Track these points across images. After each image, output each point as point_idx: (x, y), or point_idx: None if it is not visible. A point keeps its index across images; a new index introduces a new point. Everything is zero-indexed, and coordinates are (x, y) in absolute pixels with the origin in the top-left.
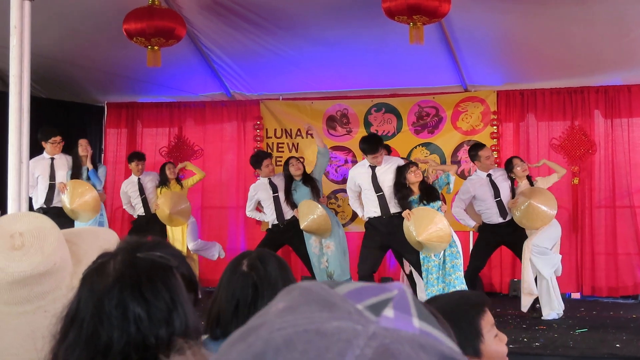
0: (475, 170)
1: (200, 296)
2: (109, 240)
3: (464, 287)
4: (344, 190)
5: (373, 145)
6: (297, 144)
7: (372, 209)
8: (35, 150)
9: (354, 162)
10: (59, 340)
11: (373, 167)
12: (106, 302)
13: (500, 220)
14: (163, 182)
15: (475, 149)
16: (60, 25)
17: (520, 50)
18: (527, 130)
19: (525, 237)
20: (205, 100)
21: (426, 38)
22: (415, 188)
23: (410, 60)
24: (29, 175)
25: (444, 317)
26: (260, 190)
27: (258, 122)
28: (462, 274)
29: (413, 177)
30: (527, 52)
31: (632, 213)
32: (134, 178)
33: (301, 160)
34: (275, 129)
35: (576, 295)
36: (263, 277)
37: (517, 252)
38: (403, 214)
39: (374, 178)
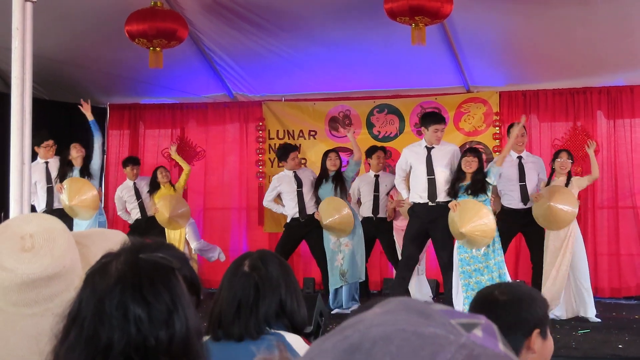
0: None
1: (202, 298)
2: (118, 242)
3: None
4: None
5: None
6: (300, 145)
7: (418, 194)
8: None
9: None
10: (60, 340)
11: (429, 148)
12: (107, 303)
13: (521, 205)
14: (153, 187)
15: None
16: (62, 27)
17: (523, 51)
18: (529, 131)
19: (542, 231)
20: (208, 101)
21: (428, 39)
22: (467, 176)
23: (412, 61)
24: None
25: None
26: (284, 183)
27: (260, 124)
28: (505, 271)
29: (467, 168)
30: (529, 53)
31: (634, 213)
32: (129, 183)
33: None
34: (277, 130)
35: None
36: (264, 277)
37: (531, 243)
38: (450, 205)
39: (429, 159)
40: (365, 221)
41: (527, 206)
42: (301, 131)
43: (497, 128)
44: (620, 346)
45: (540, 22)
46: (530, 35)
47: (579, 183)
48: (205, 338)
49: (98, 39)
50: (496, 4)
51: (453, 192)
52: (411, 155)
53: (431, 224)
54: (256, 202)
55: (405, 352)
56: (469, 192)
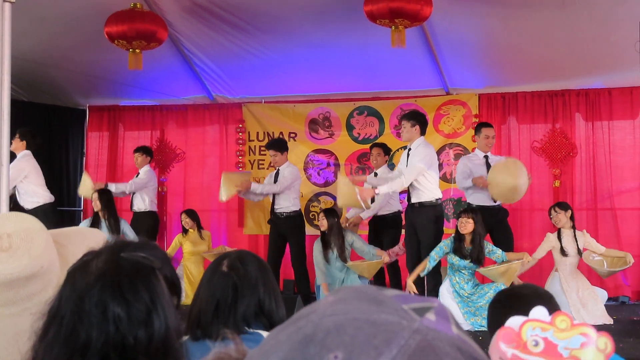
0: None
1: (183, 299)
2: (97, 241)
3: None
4: (327, 193)
5: None
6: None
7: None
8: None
9: (337, 165)
10: (39, 337)
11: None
12: (86, 301)
13: (491, 203)
14: (184, 230)
15: (479, 126)
16: (41, 28)
17: (502, 53)
18: (508, 133)
19: (510, 230)
20: (188, 103)
21: (408, 41)
22: (466, 237)
23: (392, 63)
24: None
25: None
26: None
27: (240, 125)
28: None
29: (463, 229)
30: (508, 56)
31: (613, 215)
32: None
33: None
34: (257, 132)
35: None
36: (243, 277)
37: (499, 242)
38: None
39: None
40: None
41: (497, 203)
42: (281, 133)
43: None
44: None
45: (519, 25)
46: (510, 38)
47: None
48: (185, 338)
49: (77, 41)
50: (475, 7)
51: (461, 254)
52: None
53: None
54: (236, 204)
55: (359, 341)
56: (471, 260)
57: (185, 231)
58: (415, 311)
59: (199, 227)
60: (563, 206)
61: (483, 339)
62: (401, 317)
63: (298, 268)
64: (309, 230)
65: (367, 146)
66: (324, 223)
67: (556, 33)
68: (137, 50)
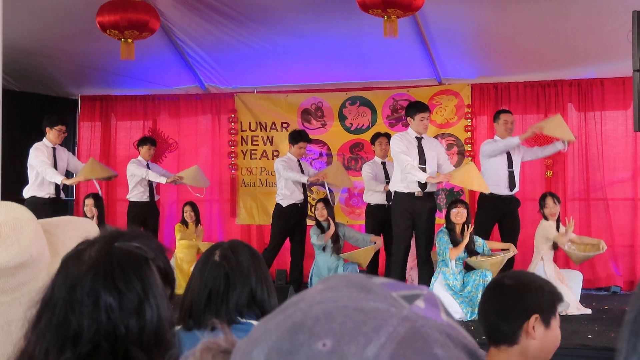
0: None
1: (176, 289)
2: (87, 230)
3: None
4: (319, 184)
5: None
6: (272, 137)
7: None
8: (15, 144)
9: (329, 155)
10: (32, 325)
11: (419, 138)
12: (78, 289)
13: (507, 192)
14: (183, 222)
15: (497, 113)
16: (33, 18)
17: (495, 43)
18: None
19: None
20: (180, 93)
21: (400, 31)
22: (457, 227)
23: (384, 53)
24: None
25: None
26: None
27: (233, 115)
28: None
29: (458, 219)
30: (501, 46)
31: (605, 205)
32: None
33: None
34: (250, 122)
35: None
36: (235, 267)
37: (506, 233)
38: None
39: (420, 149)
40: (377, 209)
41: (512, 192)
42: (273, 123)
43: (469, 120)
44: (589, 336)
45: (512, 15)
46: (502, 28)
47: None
48: (177, 328)
49: (69, 30)
50: None
51: (455, 245)
52: (404, 141)
53: (415, 214)
54: (229, 194)
55: (348, 328)
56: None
57: (184, 222)
58: (404, 298)
59: (197, 222)
60: (558, 199)
61: (475, 328)
62: (390, 305)
63: (299, 257)
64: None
65: (360, 136)
66: (323, 213)
67: (549, 23)
68: (129, 40)
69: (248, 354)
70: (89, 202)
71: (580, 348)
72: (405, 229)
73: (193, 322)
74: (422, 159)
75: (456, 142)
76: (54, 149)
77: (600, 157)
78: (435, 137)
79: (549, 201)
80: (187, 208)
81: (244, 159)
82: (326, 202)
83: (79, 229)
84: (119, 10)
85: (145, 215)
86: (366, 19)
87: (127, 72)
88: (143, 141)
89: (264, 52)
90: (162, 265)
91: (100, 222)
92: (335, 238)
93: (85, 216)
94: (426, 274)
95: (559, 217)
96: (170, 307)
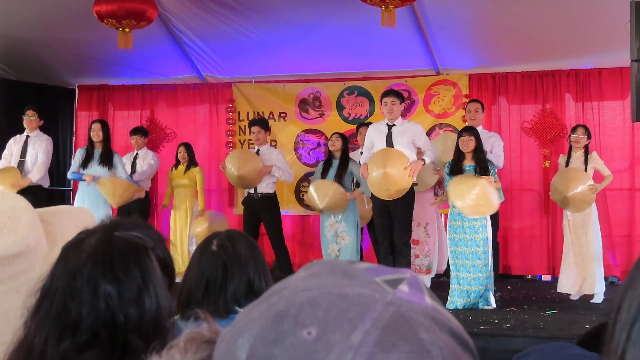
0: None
1: (175, 280)
2: (85, 219)
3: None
4: None
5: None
6: (270, 127)
7: None
8: (12, 132)
9: (327, 145)
10: (32, 314)
11: (390, 126)
12: (78, 278)
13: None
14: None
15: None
16: (30, 7)
17: (492, 33)
18: (498, 113)
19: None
20: (177, 83)
21: (398, 21)
22: (467, 156)
23: (382, 43)
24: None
25: None
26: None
27: (230, 105)
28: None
29: (465, 147)
30: (498, 36)
31: (602, 195)
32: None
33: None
34: (247, 112)
35: (547, 277)
36: (232, 256)
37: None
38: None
39: (389, 137)
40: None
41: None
42: (271, 113)
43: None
44: (587, 326)
45: (510, 5)
46: (500, 18)
47: (596, 163)
48: (175, 317)
49: (66, 20)
50: None
51: (457, 170)
52: (373, 133)
53: (391, 206)
54: (226, 184)
55: (332, 315)
56: (477, 171)
57: (177, 164)
58: (388, 283)
59: (193, 163)
60: (588, 132)
61: (464, 316)
62: (374, 290)
63: (277, 248)
64: (297, 209)
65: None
66: (337, 144)
67: (547, 13)
68: (127, 30)
69: (232, 343)
70: (96, 127)
71: (578, 338)
72: (383, 225)
73: (191, 311)
74: (391, 146)
75: (454, 131)
76: (27, 137)
77: (598, 147)
78: (433, 127)
79: (579, 130)
80: (181, 148)
81: (242, 148)
82: (343, 136)
83: (76, 218)
84: (117, 0)
85: (130, 205)
86: (364, 8)
87: (125, 62)
88: (134, 131)
89: (261, 41)
90: (161, 254)
91: (106, 147)
92: (340, 176)
93: (92, 140)
94: (403, 258)
95: (586, 151)
96: (170, 297)
